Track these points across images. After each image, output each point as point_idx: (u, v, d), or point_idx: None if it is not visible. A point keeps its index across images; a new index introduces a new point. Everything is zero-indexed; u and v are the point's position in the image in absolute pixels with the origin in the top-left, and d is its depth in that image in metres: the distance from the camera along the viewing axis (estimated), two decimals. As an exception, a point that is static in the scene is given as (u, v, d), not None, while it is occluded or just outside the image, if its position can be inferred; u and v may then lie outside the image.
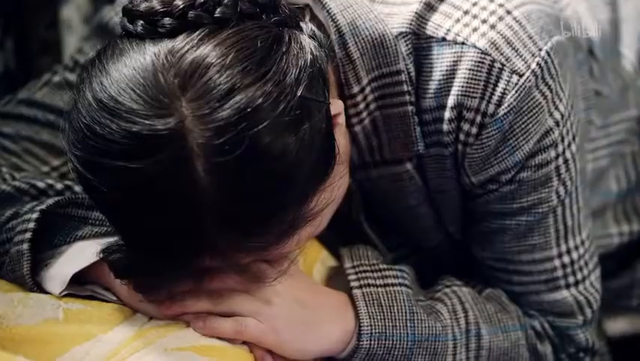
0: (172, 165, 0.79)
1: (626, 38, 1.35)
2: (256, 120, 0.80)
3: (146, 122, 0.79)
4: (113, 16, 1.08)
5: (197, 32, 0.82)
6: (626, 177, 1.34)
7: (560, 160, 1.03)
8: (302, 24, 0.90)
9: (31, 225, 0.95)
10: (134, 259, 0.86)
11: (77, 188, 1.03)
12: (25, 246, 0.94)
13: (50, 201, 0.98)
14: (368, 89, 1.01)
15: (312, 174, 0.85)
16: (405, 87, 1.01)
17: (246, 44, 0.82)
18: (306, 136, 0.83)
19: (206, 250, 0.84)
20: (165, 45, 0.82)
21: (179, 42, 0.82)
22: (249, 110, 0.80)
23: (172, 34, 0.83)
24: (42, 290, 0.96)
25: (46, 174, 1.09)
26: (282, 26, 0.87)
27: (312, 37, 0.90)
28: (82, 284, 0.96)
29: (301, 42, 0.87)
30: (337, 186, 0.92)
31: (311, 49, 0.87)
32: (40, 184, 1.03)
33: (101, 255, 0.90)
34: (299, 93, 0.83)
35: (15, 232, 0.96)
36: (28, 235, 0.95)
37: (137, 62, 0.82)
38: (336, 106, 0.91)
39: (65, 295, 0.94)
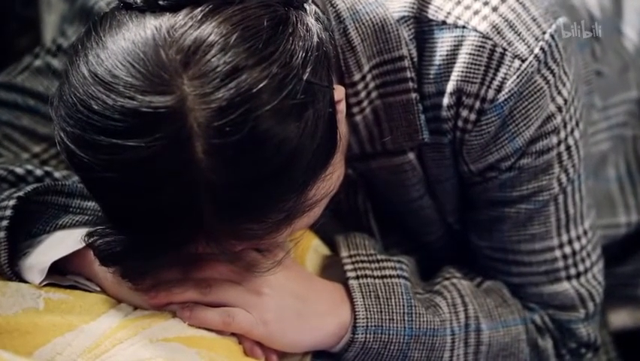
0: (170, 145, 0.77)
1: (628, 15, 1.34)
2: (260, 102, 0.78)
3: (145, 98, 0.76)
4: (99, 0, 1.05)
5: (200, 8, 0.80)
6: (625, 163, 1.33)
7: (562, 147, 1.01)
8: (306, 5, 0.88)
9: (8, 212, 0.92)
10: (123, 244, 0.84)
11: (57, 174, 1.01)
12: (2, 234, 0.92)
13: (29, 188, 0.95)
14: (369, 77, 0.99)
15: (313, 162, 0.83)
16: (408, 73, 0.98)
17: (251, 23, 0.80)
18: (309, 122, 0.81)
19: (200, 235, 0.82)
20: (167, 20, 0.79)
21: (182, 18, 0.79)
22: (253, 91, 0.77)
23: (174, 8, 0.80)
24: (21, 281, 0.93)
25: (26, 160, 1.06)
26: (288, 6, 0.85)
27: (317, 19, 0.87)
28: (63, 275, 0.94)
29: (307, 24, 0.85)
30: (336, 176, 0.90)
31: (317, 31, 0.85)
32: (19, 170, 1.00)
33: (86, 239, 0.87)
34: (305, 77, 0.81)
35: None
36: (4, 223, 0.92)
37: (136, 35, 0.79)
38: (339, 92, 0.89)
39: (46, 285, 0.92)
